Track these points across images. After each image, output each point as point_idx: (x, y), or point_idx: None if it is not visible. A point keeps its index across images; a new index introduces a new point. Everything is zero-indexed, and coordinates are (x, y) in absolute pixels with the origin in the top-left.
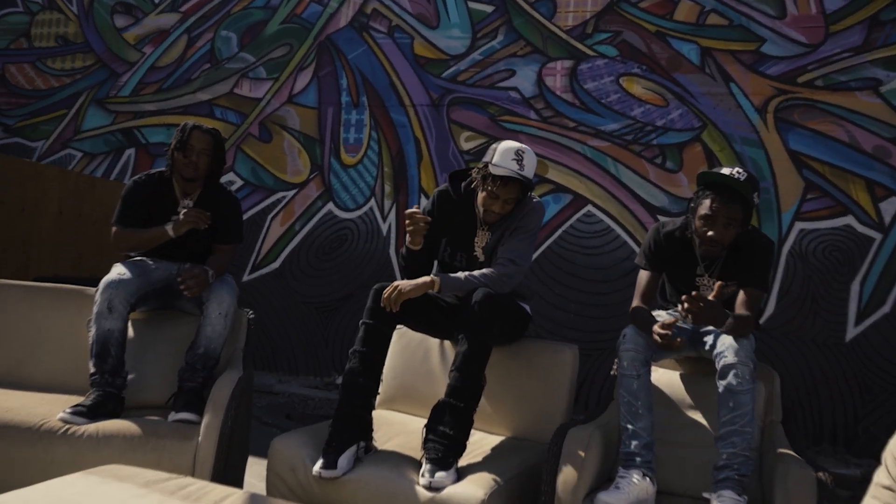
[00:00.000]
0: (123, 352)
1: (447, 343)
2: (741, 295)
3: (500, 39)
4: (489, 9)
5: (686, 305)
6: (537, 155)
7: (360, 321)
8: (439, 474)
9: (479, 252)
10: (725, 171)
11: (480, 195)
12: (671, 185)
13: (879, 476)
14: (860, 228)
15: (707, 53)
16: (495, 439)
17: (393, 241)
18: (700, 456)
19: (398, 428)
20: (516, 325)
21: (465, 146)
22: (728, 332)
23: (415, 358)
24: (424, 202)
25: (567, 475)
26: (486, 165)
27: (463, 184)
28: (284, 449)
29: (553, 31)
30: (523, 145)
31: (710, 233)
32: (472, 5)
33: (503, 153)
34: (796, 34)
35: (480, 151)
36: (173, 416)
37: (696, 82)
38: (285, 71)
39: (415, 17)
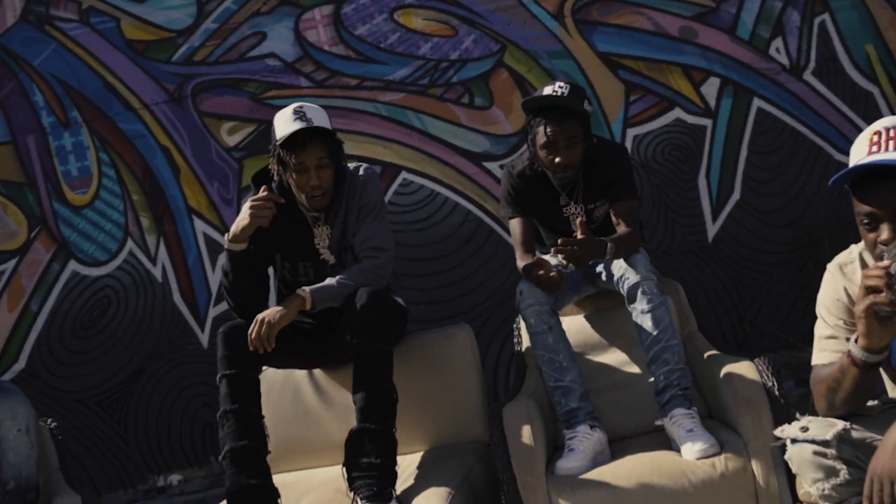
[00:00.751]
0: None
1: (317, 373)
2: (613, 212)
3: None
4: None
5: (561, 256)
6: None
7: (218, 376)
8: None
9: (325, 254)
10: (547, 90)
11: (292, 183)
12: (488, 125)
13: (819, 329)
14: (690, 119)
15: None
16: (417, 457)
17: (174, 286)
18: (634, 391)
19: (300, 488)
20: (398, 322)
21: (231, 141)
22: (616, 258)
23: (283, 403)
24: (200, 224)
25: (521, 455)
26: (274, 147)
27: (273, 184)
28: None
29: None
30: (299, 102)
31: (556, 159)
32: None
33: (281, 122)
34: None
35: (251, 143)
36: None
37: (482, 0)
38: None
39: None
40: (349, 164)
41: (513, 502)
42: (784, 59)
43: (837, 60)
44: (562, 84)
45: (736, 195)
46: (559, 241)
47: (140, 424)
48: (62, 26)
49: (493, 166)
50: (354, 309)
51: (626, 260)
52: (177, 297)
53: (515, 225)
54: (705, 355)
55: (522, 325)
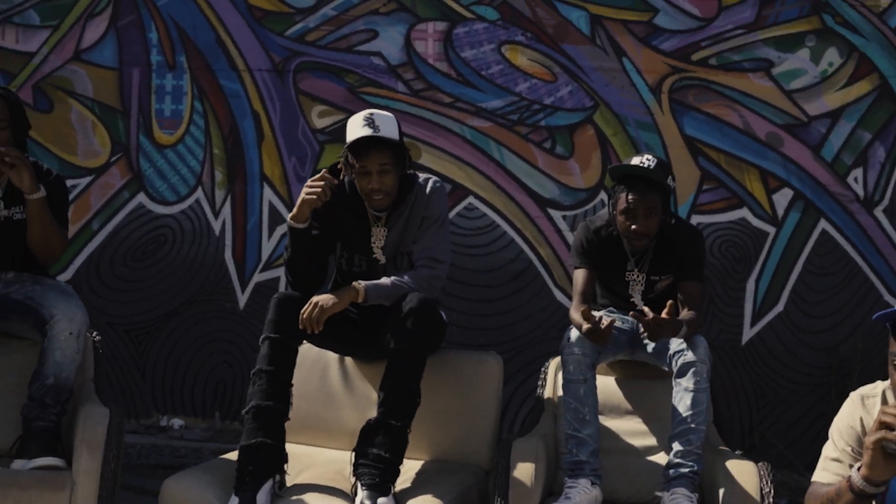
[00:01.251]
0: None
1: (348, 360)
2: (681, 290)
3: None
4: None
5: (643, 329)
6: (407, 135)
7: (262, 336)
8: (381, 500)
9: (378, 253)
10: (635, 160)
11: (358, 187)
12: (562, 174)
13: (827, 450)
14: (755, 222)
15: (597, 22)
16: (418, 464)
17: (229, 243)
18: (642, 461)
19: (304, 461)
20: (439, 334)
21: (319, 123)
22: (683, 338)
23: (311, 380)
24: (269, 193)
25: (518, 489)
26: (344, 150)
27: (345, 180)
28: (182, 492)
29: None
30: (373, 109)
31: (633, 226)
32: None
33: (353, 126)
34: (689, 6)
35: (338, 130)
36: (29, 463)
37: (587, 55)
38: (68, 17)
39: None
40: (420, 175)
41: None
42: (860, 190)
43: None
44: (649, 157)
45: (780, 307)
46: (642, 310)
47: (160, 363)
48: None
49: (556, 214)
50: (402, 310)
51: (686, 339)
52: (228, 255)
53: (579, 275)
54: (716, 447)
55: (551, 369)
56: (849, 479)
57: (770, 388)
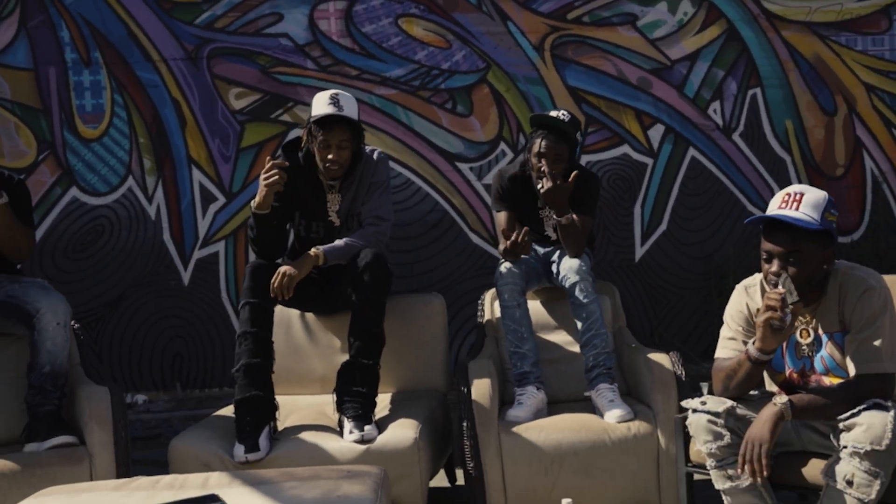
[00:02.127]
0: None
1: (308, 315)
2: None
3: None
4: None
5: (545, 183)
6: None
7: (241, 302)
8: (367, 427)
9: (333, 217)
10: (553, 113)
11: (316, 153)
12: (465, 130)
13: (724, 332)
14: (635, 156)
15: None
16: (387, 396)
17: (165, 226)
18: (572, 366)
19: (287, 407)
20: (390, 282)
21: (237, 104)
22: (564, 224)
23: (277, 337)
24: (198, 174)
25: (480, 402)
26: (308, 121)
27: (300, 153)
28: (189, 448)
29: None
30: (339, 90)
31: (542, 168)
32: None
33: (318, 102)
34: None
35: (255, 110)
36: (43, 444)
37: (476, 22)
38: None
39: None
40: (367, 147)
41: (471, 438)
42: (719, 119)
43: (761, 128)
44: (566, 112)
45: (663, 227)
46: (549, 182)
47: (115, 345)
48: None
49: (463, 167)
50: (358, 266)
51: (568, 262)
52: (166, 236)
53: (501, 217)
54: (631, 345)
55: (487, 300)
56: (746, 352)
57: (662, 295)
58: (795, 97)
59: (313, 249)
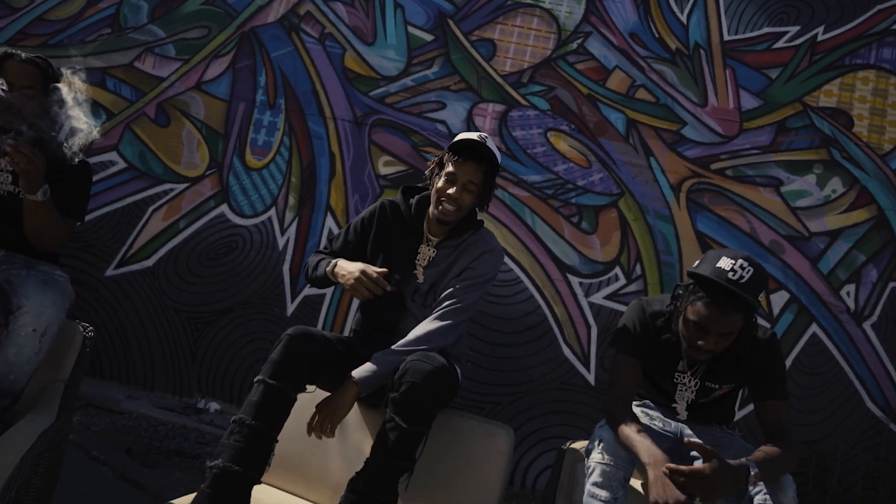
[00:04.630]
0: None
1: None
2: (762, 415)
3: (435, 70)
4: (429, 37)
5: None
6: None
7: (258, 378)
8: None
9: (419, 272)
10: (725, 264)
11: (435, 190)
12: (584, 246)
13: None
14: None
15: (632, 125)
16: None
17: (289, 257)
18: None
19: None
20: (447, 397)
21: (383, 171)
22: (763, 480)
23: (300, 420)
24: (330, 221)
25: None
26: (445, 149)
27: (413, 199)
28: None
29: (489, 73)
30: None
31: (699, 342)
32: (413, 31)
33: (464, 134)
34: (714, 124)
35: (397, 179)
36: None
37: (619, 150)
38: (198, 55)
39: (351, 28)
40: (485, 230)
41: None
42: (851, 303)
43: None
44: (745, 264)
45: None
46: (670, 470)
47: (210, 351)
48: (304, 38)
49: (574, 280)
50: (403, 378)
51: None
52: (286, 267)
53: (625, 365)
54: None
55: (569, 459)
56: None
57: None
58: None
59: (351, 377)
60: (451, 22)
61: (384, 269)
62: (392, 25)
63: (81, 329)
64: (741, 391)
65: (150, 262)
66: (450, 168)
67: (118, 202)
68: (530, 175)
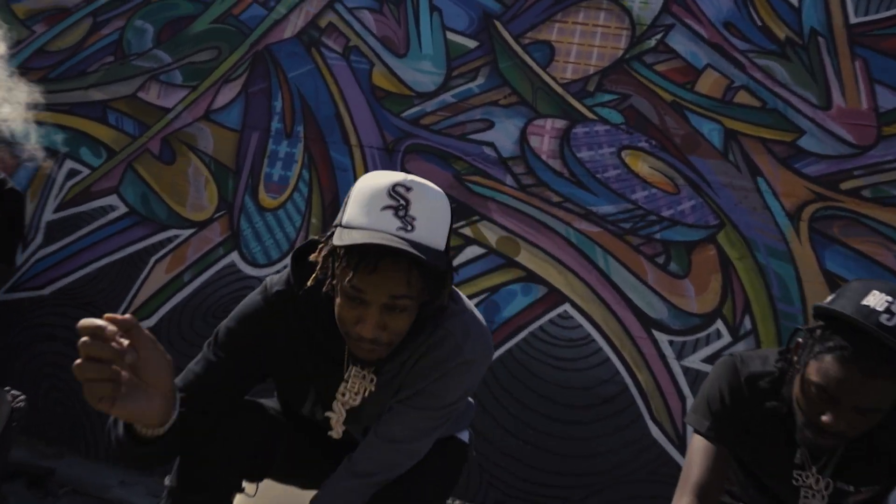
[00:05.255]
0: None
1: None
2: None
3: (481, 82)
4: (472, 44)
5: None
6: (509, 231)
7: (166, 489)
8: None
9: (338, 415)
10: (875, 302)
11: (336, 304)
12: (674, 294)
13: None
14: None
15: (732, 137)
16: None
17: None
18: None
19: None
20: (447, 476)
21: None
22: None
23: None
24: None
25: None
26: (331, 233)
27: (311, 280)
28: None
29: (547, 81)
30: (410, 177)
31: (824, 417)
32: (452, 37)
33: (365, 198)
34: (842, 131)
35: None
36: None
37: (716, 170)
38: (207, 80)
39: (379, 39)
40: (452, 306)
41: None
42: None
43: None
44: None
45: None
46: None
47: None
48: (325, 53)
49: (662, 338)
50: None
51: None
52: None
53: (701, 448)
54: None
55: None
56: None
57: None
58: None
59: None
60: (498, 24)
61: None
62: (428, 32)
63: (10, 399)
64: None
65: (151, 322)
66: (350, 281)
67: (118, 252)
68: (601, 205)
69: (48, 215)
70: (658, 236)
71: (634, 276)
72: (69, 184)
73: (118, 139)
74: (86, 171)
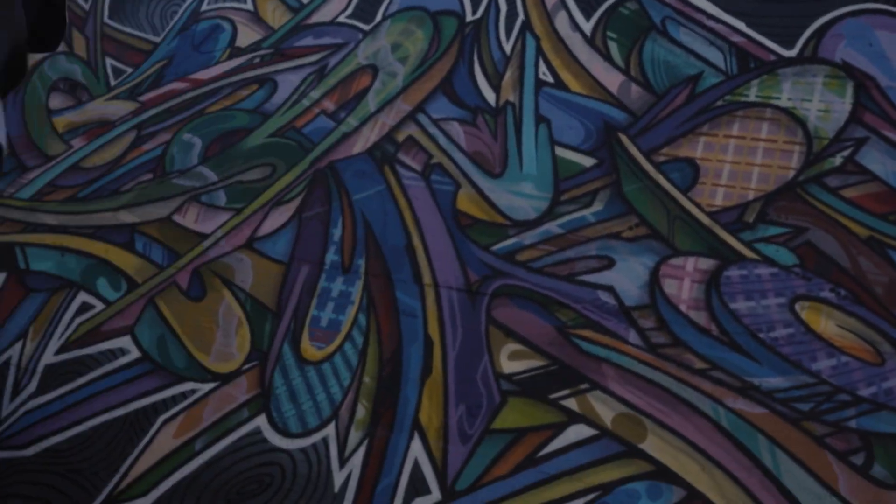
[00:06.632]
0: None
1: None
2: None
3: (598, 209)
4: (588, 161)
5: None
6: (628, 406)
7: None
8: None
9: None
10: None
11: None
12: None
13: None
14: None
15: None
16: None
17: (351, 502)
18: None
19: None
20: None
21: (508, 367)
22: None
23: None
24: (418, 447)
25: None
26: None
27: None
28: None
29: (687, 209)
30: None
31: None
32: (563, 153)
33: None
34: None
35: (531, 381)
36: None
37: None
38: (256, 201)
39: (468, 156)
40: None
41: None
42: None
43: None
44: None
45: None
46: None
47: None
48: (401, 171)
49: None
50: None
51: None
52: None
53: None
54: None
55: None
56: None
57: None
58: None
59: None
60: (623, 137)
61: None
62: (532, 147)
63: None
64: None
65: (147, 502)
66: None
67: (121, 408)
68: (767, 376)
69: (48, 357)
70: (854, 424)
71: (819, 482)
72: (78, 320)
73: (142, 269)
74: (100, 307)
